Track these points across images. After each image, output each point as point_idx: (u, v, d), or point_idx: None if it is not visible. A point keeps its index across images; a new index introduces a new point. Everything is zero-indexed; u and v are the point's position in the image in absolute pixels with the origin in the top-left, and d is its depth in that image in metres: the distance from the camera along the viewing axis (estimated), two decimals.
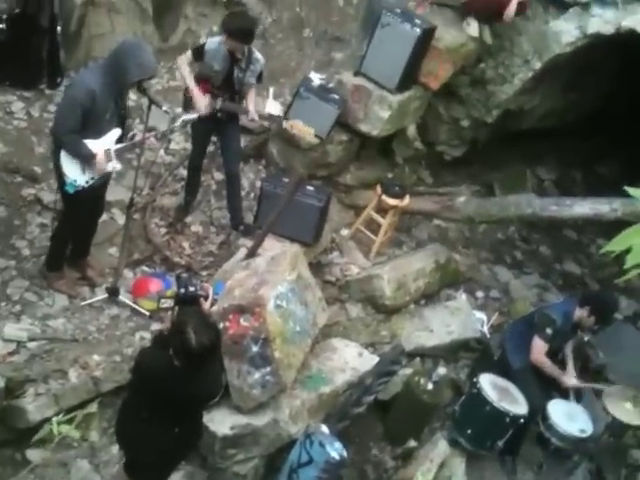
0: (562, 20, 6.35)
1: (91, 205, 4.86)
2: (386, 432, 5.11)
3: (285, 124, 5.58)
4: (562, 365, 5.27)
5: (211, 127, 5.55)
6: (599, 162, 7.92)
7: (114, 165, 4.69)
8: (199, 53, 5.33)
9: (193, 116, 4.92)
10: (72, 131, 4.45)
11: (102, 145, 4.56)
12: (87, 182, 4.62)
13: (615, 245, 1.59)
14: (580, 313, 5.08)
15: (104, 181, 4.86)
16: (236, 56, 5.26)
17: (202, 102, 5.33)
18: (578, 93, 7.33)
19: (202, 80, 5.38)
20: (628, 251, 1.58)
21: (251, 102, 5.45)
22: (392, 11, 5.93)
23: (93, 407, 2.57)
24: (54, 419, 1.91)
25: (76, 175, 4.57)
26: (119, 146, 4.63)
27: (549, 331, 5.04)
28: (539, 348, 5.08)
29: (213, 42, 5.32)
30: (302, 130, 5.57)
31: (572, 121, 7.50)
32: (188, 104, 5.46)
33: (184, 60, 5.39)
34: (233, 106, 5.42)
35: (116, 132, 4.61)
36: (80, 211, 4.79)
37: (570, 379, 5.19)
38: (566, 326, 5.14)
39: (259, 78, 5.46)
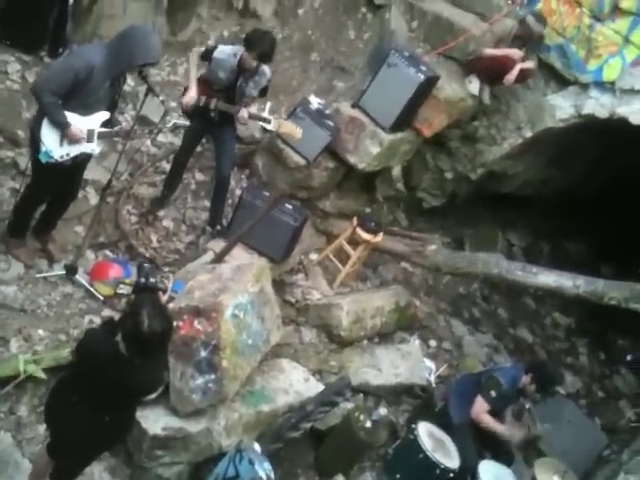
0: (560, 96, 6.55)
1: (60, 182, 4.72)
2: (316, 462, 5.06)
3: (273, 123, 5.43)
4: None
5: (205, 127, 5.52)
6: (568, 238, 8.10)
7: (93, 147, 4.60)
8: (207, 55, 5.29)
9: (184, 122, 4.81)
10: (54, 93, 4.30)
11: (87, 123, 4.48)
12: (61, 157, 4.52)
13: None
14: (525, 380, 5.18)
15: (79, 163, 4.73)
16: (245, 67, 5.23)
17: (190, 99, 5.28)
18: (559, 169, 7.52)
19: (204, 80, 5.37)
20: None
21: (247, 107, 5.36)
22: (400, 53, 6.04)
23: (65, 352, 2.42)
24: (21, 357, 1.80)
25: (53, 146, 4.47)
26: (103, 130, 4.56)
27: (493, 394, 5.14)
28: (480, 407, 5.15)
29: (224, 52, 5.24)
30: (290, 130, 5.51)
31: (549, 194, 7.68)
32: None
33: (197, 52, 5.39)
34: (226, 106, 5.33)
35: (104, 115, 4.54)
36: (46, 183, 4.68)
37: (513, 431, 5.25)
38: (511, 391, 5.22)
39: (263, 92, 5.43)
